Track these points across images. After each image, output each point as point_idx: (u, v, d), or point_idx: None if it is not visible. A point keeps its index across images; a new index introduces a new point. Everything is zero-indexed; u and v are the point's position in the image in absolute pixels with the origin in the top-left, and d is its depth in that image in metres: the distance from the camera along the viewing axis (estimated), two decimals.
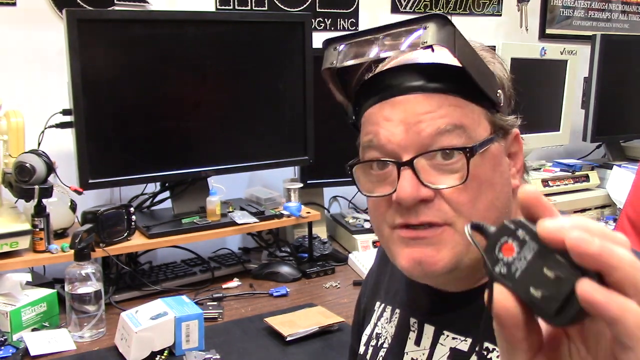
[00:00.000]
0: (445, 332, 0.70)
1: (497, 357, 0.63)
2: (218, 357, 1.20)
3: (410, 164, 0.63)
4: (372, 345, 0.82)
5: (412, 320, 0.74)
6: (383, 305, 0.83)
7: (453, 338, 0.69)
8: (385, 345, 0.79)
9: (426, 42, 0.62)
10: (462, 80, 0.63)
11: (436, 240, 0.64)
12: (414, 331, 0.74)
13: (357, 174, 0.70)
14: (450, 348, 0.69)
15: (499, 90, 0.65)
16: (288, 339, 1.24)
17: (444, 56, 0.65)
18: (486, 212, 0.64)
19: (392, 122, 0.65)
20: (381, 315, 0.82)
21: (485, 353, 0.65)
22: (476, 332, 0.66)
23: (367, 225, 1.88)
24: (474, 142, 0.63)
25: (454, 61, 0.63)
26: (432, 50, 0.64)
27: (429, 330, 0.72)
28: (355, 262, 1.70)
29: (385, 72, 0.68)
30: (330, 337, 1.27)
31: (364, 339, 0.85)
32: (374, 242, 1.82)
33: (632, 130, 2.50)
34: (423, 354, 0.72)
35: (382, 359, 0.78)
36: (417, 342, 0.73)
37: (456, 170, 0.63)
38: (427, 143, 0.63)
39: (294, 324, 1.29)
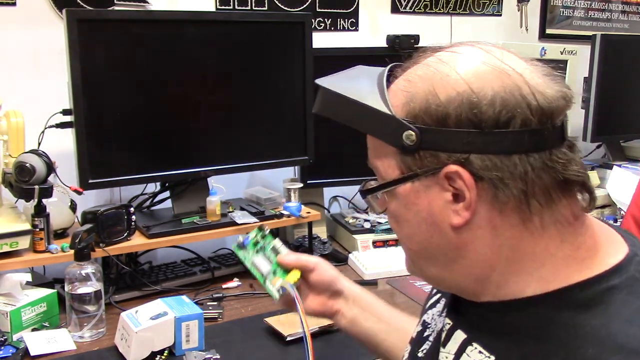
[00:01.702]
0: (474, 343, 0.69)
1: None
2: (218, 357, 1.20)
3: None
4: (417, 332, 0.83)
5: (447, 320, 0.75)
6: (439, 295, 0.84)
7: (479, 352, 0.67)
8: (431, 338, 0.79)
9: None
10: (365, 127, 0.69)
11: None
12: (444, 331, 0.74)
13: None
14: None
15: (409, 132, 0.63)
16: (288, 338, 1.24)
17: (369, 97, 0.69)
18: (409, 243, 0.70)
19: None
20: (434, 305, 0.83)
21: None
22: (500, 351, 0.65)
23: (367, 225, 1.88)
24: (383, 181, 0.68)
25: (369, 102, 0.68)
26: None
27: (458, 335, 0.71)
28: (355, 262, 1.70)
29: None
30: (330, 337, 1.27)
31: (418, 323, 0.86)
32: (374, 242, 1.82)
33: (632, 130, 2.50)
34: (447, 357, 0.72)
35: (425, 353, 0.78)
36: (444, 344, 0.73)
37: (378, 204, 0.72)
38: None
39: (294, 324, 1.28)
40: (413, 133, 0.63)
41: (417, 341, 0.82)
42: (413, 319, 1.01)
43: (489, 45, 0.67)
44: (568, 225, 0.64)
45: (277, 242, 1.09)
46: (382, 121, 0.66)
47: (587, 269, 0.63)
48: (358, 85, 0.71)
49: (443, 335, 0.74)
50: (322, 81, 0.73)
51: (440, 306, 0.81)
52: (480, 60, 0.64)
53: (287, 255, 1.04)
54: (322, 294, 1.03)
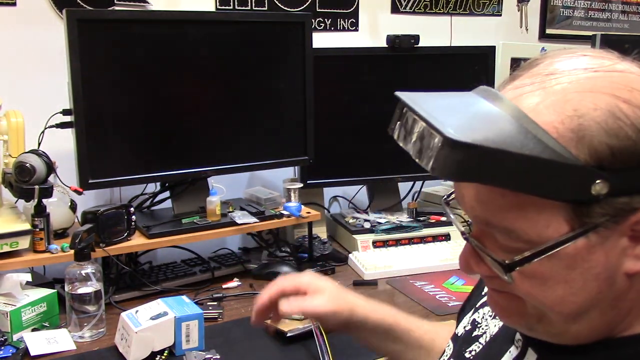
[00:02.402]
0: None
1: None
2: (218, 357, 1.20)
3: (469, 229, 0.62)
4: (465, 329, 0.77)
5: (518, 336, 0.67)
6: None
7: None
8: (482, 341, 0.74)
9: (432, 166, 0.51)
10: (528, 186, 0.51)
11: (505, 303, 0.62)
12: (517, 348, 0.67)
13: None
14: None
15: (599, 181, 0.49)
16: (288, 334, 1.24)
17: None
18: (560, 306, 0.56)
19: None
20: (486, 304, 0.77)
21: None
22: None
23: (367, 225, 1.88)
24: (531, 246, 0.53)
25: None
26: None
27: (531, 356, 0.65)
28: (355, 262, 1.70)
29: None
30: (330, 336, 1.27)
31: (463, 321, 0.81)
32: (374, 242, 1.82)
33: None
34: None
35: (474, 354, 0.74)
36: (503, 350, 0.68)
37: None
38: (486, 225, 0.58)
39: (294, 322, 1.29)
40: (603, 182, 0.49)
41: (465, 340, 0.77)
42: (426, 330, 0.98)
43: (612, 53, 0.58)
44: None
45: None
46: (558, 172, 0.50)
47: None
48: (500, 126, 0.52)
49: (514, 352, 0.68)
50: (455, 133, 0.49)
51: None
52: (634, 72, 0.53)
53: (285, 309, 0.95)
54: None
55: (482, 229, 0.58)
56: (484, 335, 0.74)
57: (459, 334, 0.80)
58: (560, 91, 0.53)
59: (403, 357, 0.97)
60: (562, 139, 0.50)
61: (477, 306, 0.80)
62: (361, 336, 0.98)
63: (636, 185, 0.51)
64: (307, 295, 0.96)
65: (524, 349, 0.66)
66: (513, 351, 0.67)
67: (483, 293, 0.80)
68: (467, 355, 0.74)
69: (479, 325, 0.76)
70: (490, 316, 0.76)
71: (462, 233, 0.61)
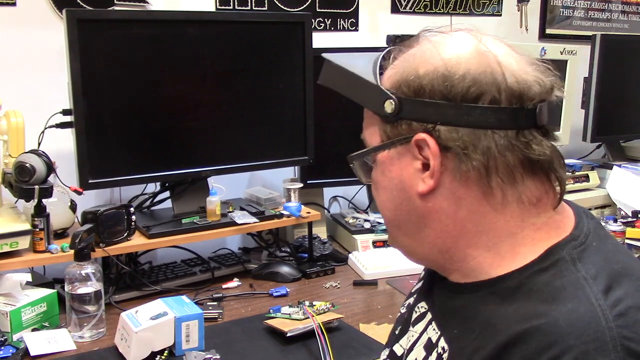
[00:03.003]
0: (433, 322, 0.75)
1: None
2: (218, 357, 1.20)
3: None
4: (400, 312, 0.89)
5: (421, 304, 0.81)
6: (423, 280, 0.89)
7: (433, 329, 0.74)
8: (406, 315, 0.85)
9: None
10: (354, 95, 0.75)
11: None
12: (416, 312, 0.81)
13: None
14: (428, 338, 0.74)
15: (389, 100, 0.69)
16: (288, 334, 1.24)
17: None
18: (384, 209, 0.74)
19: None
20: (416, 288, 0.89)
21: (442, 352, 0.70)
22: (445, 328, 0.71)
23: (367, 225, 1.88)
24: (362, 150, 0.74)
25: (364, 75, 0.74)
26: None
27: (427, 317, 0.77)
28: (355, 262, 1.70)
29: None
30: (330, 336, 1.27)
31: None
32: (374, 242, 1.82)
33: (632, 130, 2.50)
34: (413, 336, 0.78)
35: (399, 330, 0.85)
36: (414, 324, 0.80)
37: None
38: None
39: (294, 322, 1.29)
40: (393, 102, 0.69)
41: (397, 321, 0.89)
42: None
43: (483, 34, 0.70)
44: (531, 206, 0.67)
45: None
46: (369, 91, 0.72)
47: (538, 250, 0.66)
48: (356, 61, 0.77)
49: (414, 315, 0.80)
50: (327, 55, 0.78)
51: (419, 289, 0.87)
52: (464, 43, 0.68)
53: None
54: None
55: None
56: (406, 313, 0.86)
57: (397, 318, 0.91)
58: (408, 55, 0.72)
59: None
60: (384, 75, 0.72)
61: (412, 291, 0.92)
62: None
63: (414, 112, 0.68)
64: None
65: (423, 313, 0.79)
66: (414, 316, 0.81)
67: (421, 277, 0.91)
68: (396, 332, 0.86)
69: (407, 306, 0.88)
70: (414, 294, 0.88)
71: None
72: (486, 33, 0.71)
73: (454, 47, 0.68)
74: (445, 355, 0.69)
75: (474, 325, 0.65)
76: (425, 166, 0.67)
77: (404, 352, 0.80)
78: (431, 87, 0.66)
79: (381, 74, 0.73)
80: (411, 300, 0.87)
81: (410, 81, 0.68)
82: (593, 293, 0.60)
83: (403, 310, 0.89)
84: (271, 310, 1.34)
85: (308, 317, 1.26)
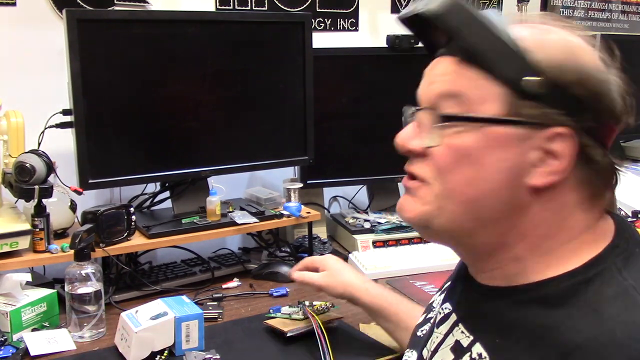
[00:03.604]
0: (460, 324, 0.72)
1: None
2: (218, 357, 1.20)
3: (412, 115, 0.71)
4: (424, 315, 0.88)
5: (446, 305, 0.78)
6: (448, 282, 0.87)
7: (462, 332, 0.71)
8: (431, 320, 0.83)
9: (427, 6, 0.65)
10: (483, 54, 0.63)
11: (414, 193, 0.70)
12: (441, 314, 0.78)
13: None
14: (455, 340, 0.71)
15: (530, 77, 0.61)
16: (288, 334, 1.24)
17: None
18: (464, 186, 0.65)
19: (425, 77, 0.72)
20: (444, 291, 0.86)
21: (478, 358, 0.67)
22: (478, 333, 0.68)
23: (367, 225, 1.88)
24: (472, 112, 0.64)
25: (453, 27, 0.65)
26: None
27: (452, 318, 0.75)
28: (355, 262, 1.70)
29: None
30: (330, 336, 1.27)
31: (425, 308, 0.91)
32: (374, 242, 1.82)
33: (632, 130, 2.47)
34: (437, 337, 0.76)
35: (424, 332, 0.84)
36: (438, 325, 0.78)
37: (440, 135, 0.66)
38: (433, 102, 0.68)
39: (294, 322, 1.29)
40: (540, 81, 0.61)
41: (421, 322, 0.87)
42: (413, 316, 1.10)
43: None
44: (601, 214, 0.67)
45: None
46: (508, 54, 0.62)
47: (585, 257, 0.64)
48: (490, 13, 0.65)
49: (439, 317, 0.78)
50: None
51: (444, 291, 0.85)
52: (585, 40, 0.66)
53: (299, 274, 1.29)
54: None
55: (420, 112, 0.70)
56: (433, 315, 0.83)
57: (420, 320, 0.89)
58: (541, 28, 0.66)
59: (394, 335, 1.17)
60: (525, 39, 0.62)
61: (437, 292, 0.90)
62: (365, 311, 1.22)
63: (561, 102, 0.61)
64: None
65: (448, 314, 0.76)
66: (439, 317, 0.78)
67: (447, 279, 0.88)
68: (419, 334, 0.84)
69: (433, 309, 0.85)
70: (440, 296, 0.84)
71: (410, 112, 0.72)
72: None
73: (587, 45, 0.66)
74: None
75: (520, 334, 0.63)
76: (545, 158, 0.62)
77: (428, 354, 0.78)
78: (589, 84, 0.62)
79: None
80: (436, 301, 0.86)
81: (566, 67, 0.62)
82: None
83: (427, 314, 0.87)
84: (271, 310, 1.34)
85: (308, 317, 1.26)
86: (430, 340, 0.79)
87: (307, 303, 1.35)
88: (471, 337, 0.69)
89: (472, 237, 0.67)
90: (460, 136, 0.64)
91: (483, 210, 0.65)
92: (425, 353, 0.79)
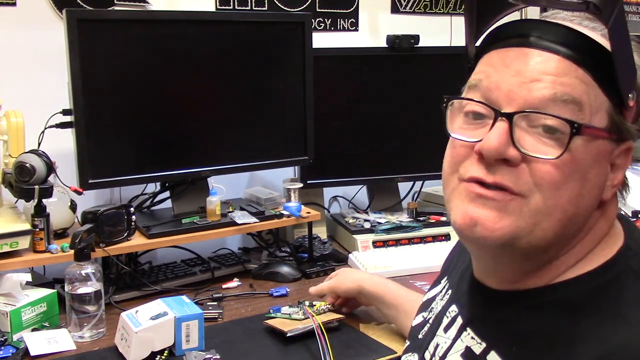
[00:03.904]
0: (468, 328, 0.69)
1: None
2: (218, 357, 1.20)
3: (509, 117, 0.60)
4: (422, 316, 0.87)
5: (452, 307, 0.76)
6: (447, 283, 0.85)
7: (472, 337, 0.68)
8: (430, 321, 0.82)
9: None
10: (601, 62, 0.59)
11: (502, 207, 0.61)
12: (447, 317, 0.75)
13: (449, 111, 0.67)
14: (466, 346, 0.68)
15: (633, 92, 0.60)
16: (288, 334, 1.24)
17: (592, 32, 0.63)
18: (567, 203, 0.60)
19: (509, 69, 0.62)
20: (440, 292, 0.85)
21: None
22: (491, 339, 0.66)
23: (367, 225, 1.88)
24: (592, 124, 0.60)
25: (601, 41, 0.61)
26: (587, 7, 0.58)
27: (459, 321, 0.72)
28: (355, 262, 1.70)
29: (524, 21, 0.67)
30: (330, 336, 1.27)
31: (420, 307, 0.90)
32: (374, 242, 1.82)
33: None
34: (445, 343, 0.73)
35: (424, 334, 0.82)
36: (446, 330, 0.74)
37: (554, 145, 0.59)
38: (535, 104, 0.60)
39: (294, 322, 1.29)
40: (634, 95, 0.60)
41: (420, 324, 0.86)
42: (421, 298, 1.13)
43: None
44: (613, 213, 0.66)
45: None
46: (630, 69, 0.60)
47: (596, 260, 0.63)
48: None
49: (445, 321, 0.75)
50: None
51: (445, 293, 0.83)
52: None
53: (312, 289, 1.38)
54: (349, 300, 1.34)
55: (519, 116, 0.60)
56: (432, 316, 0.82)
57: (414, 325, 0.88)
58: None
59: (396, 321, 1.24)
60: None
61: (435, 295, 0.87)
62: (367, 305, 1.32)
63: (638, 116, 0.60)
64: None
65: (454, 317, 0.73)
66: (445, 322, 0.76)
67: (438, 280, 0.90)
68: (419, 336, 0.83)
69: (433, 310, 0.84)
70: (441, 299, 0.82)
71: (500, 113, 0.61)
72: None
73: None
74: None
75: (542, 343, 0.60)
76: (612, 169, 0.63)
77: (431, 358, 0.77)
78: None
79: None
80: (435, 304, 0.84)
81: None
82: None
83: (425, 315, 0.86)
84: (271, 310, 1.34)
85: (308, 317, 1.26)
86: (432, 343, 0.77)
87: (307, 303, 1.35)
88: (484, 344, 0.66)
89: (546, 252, 0.63)
90: (578, 148, 0.59)
91: (573, 227, 0.62)
92: (427, 356, 0.77)
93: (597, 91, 0.60)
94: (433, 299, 0.88)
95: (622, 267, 0.61)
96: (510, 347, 0.62)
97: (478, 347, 0.66)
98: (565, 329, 0.59)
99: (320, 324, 1.21)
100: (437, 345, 0.75)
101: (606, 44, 0.60)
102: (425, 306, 0.89)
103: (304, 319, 1.27)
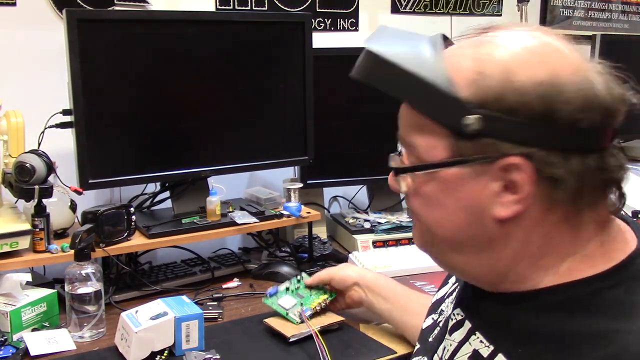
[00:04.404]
0: (477, 332, 0.70)
1: None
2: (218, 357, 1.20)
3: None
4: (432, 318, 0.87)
5: (457, 310, 0.76)
6: (454, 282, 0.86)
7: (480, 341, 0.69)
8: (440, 325, 0.81)
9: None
10: (418, 104, 0.63)
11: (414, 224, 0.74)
12: (452, 320, 0.76)
13: None
14: (474, 350, 0.69)
15: (472, 116, 0.59)
16: (291, 339, 1.24)
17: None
18: (437, 228, 0.67)
19: None
20: (450, 294, 0.84)
21: None
22: (499, 342, 0.66)
23: (367, 225, 1.88)
24: (420, 162, 0.65)
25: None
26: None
27: (466, 325, 0.73)
28: (355, 262, 1.70)
29: None
30: (330, 336, 1.27)
31: (430, 308, 0.90)
32: (374, 242, 1.82)
33: (632, 130, 2.49)
34: (451, 345, 0.73)
35: (434, 337, 0.82)
36: (451, 332, 0.75)
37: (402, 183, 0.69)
38: (401, 146, 0.69)
39: (299, 326, 1.28)
40: (476, 118, 0.59)
41: (430, 326, 0.85)
42: (418, 295, 1.21)
43: (549, 31, 0.64)
44: (599, 226, 0.64)
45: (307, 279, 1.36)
46: (440, 99, 0.60)
47: (596, 267, 0.62)
48: (416, 51, 0.63)
49: (450, 323, 0.76)
50: (371, 43, 0.64)
51: (452, 292, 0.84)
52: (554, 48, 0.61)
53: (309, 279, 1.34)
54: (346, 292, 1.30)
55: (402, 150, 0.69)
56: (443, 320, 0.82)
57: (429, 325, 0.87)
58: (483, 51, 0.62)
59: (391, 316, 1.24)
60: (458, 76, 0.60)
61: (444, 296, 0.88)
62: (364, 299, 1.28)
63: (505, 132, 0.59)
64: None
65: (461, 320, 0.75)
66: (451, 324, 0.77)
67: (448, 281, 0.90)
68: (430, 339, 0.83)
69: (443, 312, 0.84)
70: (452, 302, 0.82)
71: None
72: (541, 27, 0.65)
73: (550, 58, 0.60)
74: None
75: (545, 343, 0.61)
76: (506, 188, 0.61)
77: None
78: (530, 106, 0.58)
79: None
80: (444, 306, 0.84)
81: (508, 97, 0.58)
82: None
83: (435, 317, 0.86)
84: (268, 295, 1.35)
85: (304, 322, 1.26)
86: (440, 347, 0.77)
87: (304, 275, 1.36)
88: (492, 347, 0.66)
89: (467, 270, 0.69)
90: (420, 184, 0.66)
91: (462, 246, 0.66)
92: (436, 359, 0.78)
93: (430, 127, 0.62)
94: (442, 300, 0.87)
95: (632, 271, 0.62)
96: (516, 348, 0.63)
97: (486, 350, 0.67)
98: (569, 328, 0.59)
99: (319, 334, 1.21)
100: (445, 348, 0.75)
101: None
102: (435, 308, 0.88)
103: (299, 323, 1.26)
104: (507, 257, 0.64)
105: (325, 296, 1.32)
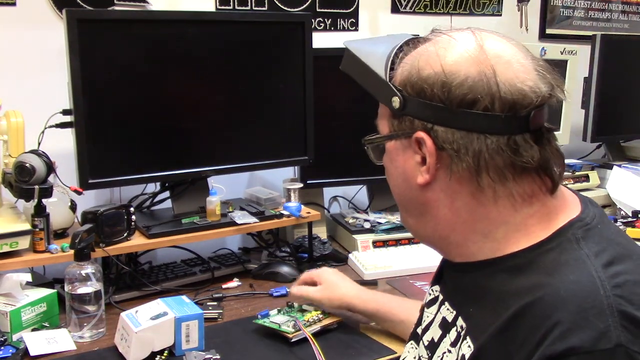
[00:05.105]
0: (446, 302, 0.81)
1: (468, 339, 0.72)
2: (218, 357, 1.20)
3: None
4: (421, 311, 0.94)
5: (435, 287, 0.87)
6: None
7: (447, 309, 0.80)
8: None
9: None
10: (367, 88, 0.79)
11: None
12: (430, 296, 0.88)
13: None
14: (443, 317, 0.80)
15: (396, 97, 0.74)
16: (293, 339, 1.24)
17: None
18: (393, 191, 0.82)
19: None
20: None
21: (460, 330, 0.75)
22: (460, 307, 0.77)
23: (367, 225, 1.88)
24: (374, 135, 0.81)
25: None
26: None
27: (439, 298, 0.84)
28: (355, 262, 1.70)
29: None
30: (330, 336, 1.28)
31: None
32: (374, 242, 1.82)
33: (632, 130, 2.49)
34: (428, 317, 0.85)
35: (423, 329, 0.89)
36: (429, 306, 0.87)
37: None
38: None
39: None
40: (398, 99, 0.74)
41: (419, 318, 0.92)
42: (405, 307, 1.24)
43: (491, 34, 0.75)
44: (522, 201, 0.72)
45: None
46: (380, 84, 0.76)
47: (535, 234, 0.71)
48: (375, 48, 0.80)
49: (428, 298, 0.88)
50: (348, 42, 0.82)
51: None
52: (466, 48, 0.72)
53: (296, 291, 1.35)
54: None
55: None
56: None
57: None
58: (416, 54, 0.76)
59: (395, 330, 1.26)
60: (397, 68, 0.76)
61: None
62: (366, 319, 1.32)
63: (418, 111, 0.73)
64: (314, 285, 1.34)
65: (436, 294, 0.86)
66: (428, 298, 0.89)
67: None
68: (418, 331, 0.90)
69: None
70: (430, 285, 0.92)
71: None
72: (497, 33, 0.75)
73: (455, 53, 0.72)
74: (463, 333, 0.74)
75: (486, 302, 0.71)
76: (424, 161, 0.73)
77: (419, 333, 0.86)
78: (431, 90, 0.71)
79: (392, 68, 0.77)
80: (428, 289, 0.92)
81: (414, 82, 0.73)
82: (594, 267, 0.65)
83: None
84: (259, 316, 1.31)
85: (299, 330, 1.24)
86: (422, 321, 0.87)
87: (296, 306, 1.34)
88: (454, 312, 0.78)
89: (418, 230, 0.81)
90: (377, 155, 0.82)
91: (408, 209, 0.80)
92: (419, 331, 0.88)
93: (383, 109, 0.79)
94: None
95: (568, 235, 0.70)
96: (469, 308, 0.74)
97: (450, 315, 0.78)
98: (504, 287, 0.69)
99: (314, 341, 1.20)
100: (424, 321, 0.86)
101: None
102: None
103: (294, 332, 1.24)
104: (444, 221, 0.75)
105: (318, 312, 1.31)
